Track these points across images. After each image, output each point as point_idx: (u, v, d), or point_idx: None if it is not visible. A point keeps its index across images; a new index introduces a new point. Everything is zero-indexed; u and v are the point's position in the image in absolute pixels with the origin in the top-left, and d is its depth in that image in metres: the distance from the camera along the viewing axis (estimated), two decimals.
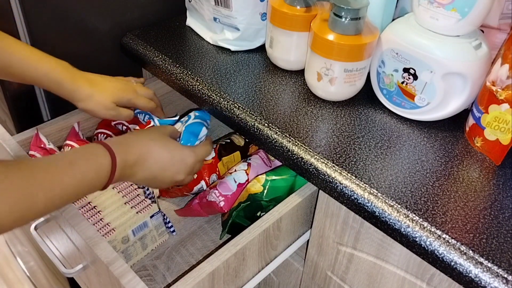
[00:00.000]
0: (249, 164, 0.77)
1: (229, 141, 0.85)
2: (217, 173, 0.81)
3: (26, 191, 0.45)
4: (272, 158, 0.80)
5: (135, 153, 0.58)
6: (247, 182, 0.74)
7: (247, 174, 0.75)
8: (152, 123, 0.78)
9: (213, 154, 0.81)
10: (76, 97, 0.67)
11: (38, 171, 0.47)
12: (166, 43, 0.85)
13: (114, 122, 0.80)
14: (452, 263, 0.49)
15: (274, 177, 0.71)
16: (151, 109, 0.77)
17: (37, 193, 0.46)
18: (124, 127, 0.80)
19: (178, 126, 0.77)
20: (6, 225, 0.44)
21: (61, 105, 0.67)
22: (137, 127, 0.78)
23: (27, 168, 0.46)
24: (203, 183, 0.78)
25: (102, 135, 0.80)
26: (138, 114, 0.80)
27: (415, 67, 0.63)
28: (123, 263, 0.55)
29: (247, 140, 0.87)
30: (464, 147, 0.64)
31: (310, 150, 0.62)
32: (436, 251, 0.50)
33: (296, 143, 0.63)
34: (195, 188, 0.78)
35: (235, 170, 0.76)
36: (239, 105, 0.70)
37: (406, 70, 0.65)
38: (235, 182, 0.74)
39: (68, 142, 0.73)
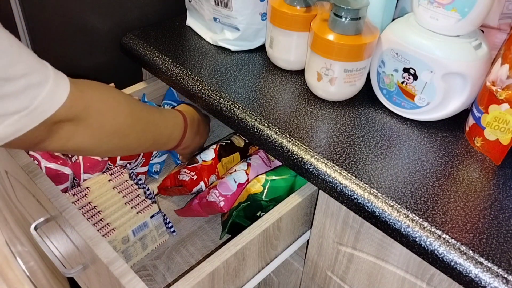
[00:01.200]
0: (249, 164, 0.77)
1: (229, 142, 0.85)
2: (216, 174, 0.81)
3: (142, 119, 0.61)
4: (272, 158, 0.80)
5: (194, 120, 0.77)
6: (247, 182, 0.74)
7: (247, 174, 0.75)
8: None
9: (212, 155, 0.81)
10: None
11: (153, 111, 0.64)
12: (166, 43, 0.85)
13: None
14: (452, 263, 0.49)
15: (274, 177, 0.71)
16: None
17: (144, 124, 0.62)
18: None
19: None
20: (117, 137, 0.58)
21: None
22: None
23: (142, 104, 0.64)
24: (202, 184, 0.78)
25: None
26: None
27: (415, 67, 0.63)
28: (123, 263, 0.55)
29: (247, 142, 0.87)
30: (464, 147, 0.64)
31: (310, 150, 0.62)
32: (436, 251, 0.50)
33: (296, 143, 0.63)
34: (194, 189, 0.78)
35: (235, 170, 0.76)
36: (239, 105, 0.70)
37: (406, 70, 0.65)
38: (235, 182, 0.74)
39: None
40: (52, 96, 0.48)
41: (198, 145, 0.81)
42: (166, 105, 0.87)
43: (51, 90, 0.47)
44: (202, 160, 0.80)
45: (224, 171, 0.82)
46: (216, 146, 0.83)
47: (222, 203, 0.72)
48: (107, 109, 0.55)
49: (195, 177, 0.78)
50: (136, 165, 0.82)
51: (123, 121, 0.58)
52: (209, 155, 0.81)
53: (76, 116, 0.51)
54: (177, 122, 0.71)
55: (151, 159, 0.85)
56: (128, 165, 0.79)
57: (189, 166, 0.80)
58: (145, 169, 0.84)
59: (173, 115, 0.71)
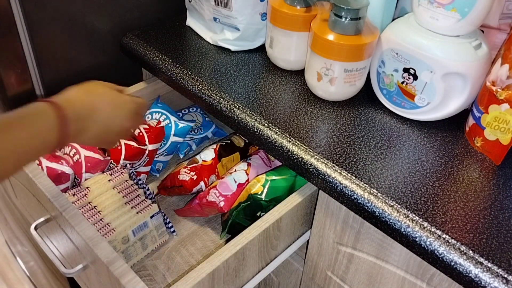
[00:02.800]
0: (249, 164, 0.77)
1: (229, 142, 0.85)
2: (216, 174, 0.81)
3: None
4: (272, 158, 0.80)
5: (83, 105, 0.54)
6: (247, 182, 0.74)
7: (247, 174, 0.75)
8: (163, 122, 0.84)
9: (212, 155, 0.81)
10: None
11: (13, 130, 0.46)
12: (166, 43, 0.85)
13: None
14: (452, 263, 0.49)
15: (274, 177, 0.71)
16: None
17: None
18: None
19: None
20: None
21: None
22: None
23: None
24: (202, 184, 0.78)
25: None
26: (154, 113, 0.85)
27: (415, 67, 0.63)
28: (123, 263, 0.55)
29: (247, 142, 0.87)
30: (464, 147, 0.64)
31: (310, 150, 0.62)
32: (436, 251, 0.50)
33: (296, 143, 0.63)
34: (194, 189, 0.79)
35: (235, 170, 0.76)
36: (239, 105, 0.70)
37: (406, 70, 0.65)
38: (235, 182, 0.74)
39: None
40: None
41: (106, 130, 0.58)
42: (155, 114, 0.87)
43: None
44: (202, 160, 0.81)
45: (224, 171, 0.82)
46: (216, 146, 0.83)
47: (222, 203, 0.72)
48: None
49: (195, 177, 0.78)
50: (140, 164, 0.82)
51: None
52: (209, 155, 0.81)
53: None
54: (48, 129, 0.51)
55: (155, 157, 0.86)
56: (128, 165, 0.79)
57: (189, 166, 0.80)
58: (147, 168, 0.84)
59: (43, 122, 0.50)
